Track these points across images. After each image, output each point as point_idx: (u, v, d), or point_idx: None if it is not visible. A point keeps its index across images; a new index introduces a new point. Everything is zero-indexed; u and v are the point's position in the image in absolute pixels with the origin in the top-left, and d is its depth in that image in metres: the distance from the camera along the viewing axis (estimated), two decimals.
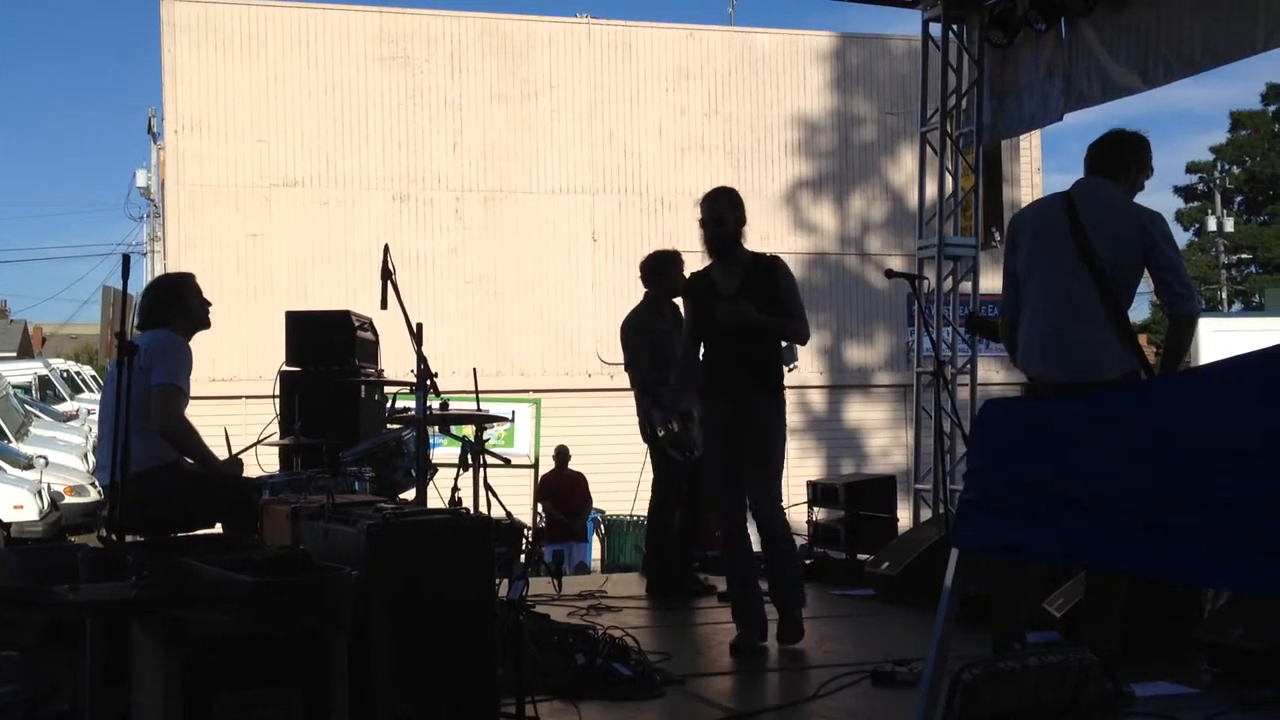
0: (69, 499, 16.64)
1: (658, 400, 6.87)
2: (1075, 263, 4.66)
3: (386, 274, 5.48)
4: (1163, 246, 4.66)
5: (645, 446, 7.23)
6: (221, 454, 5.58)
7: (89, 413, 21.47)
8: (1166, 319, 4.83)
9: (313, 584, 3.38)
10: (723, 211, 5.59)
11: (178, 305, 5.57)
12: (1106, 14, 8.20)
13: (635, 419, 7.21)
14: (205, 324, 5.68)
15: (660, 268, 7.23)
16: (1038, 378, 4.84)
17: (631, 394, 7.25)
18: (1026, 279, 4.86)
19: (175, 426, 5.25)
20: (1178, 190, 48.02)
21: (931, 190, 9.95)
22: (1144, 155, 4.91)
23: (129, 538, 4.70)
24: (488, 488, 5.83)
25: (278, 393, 6.86)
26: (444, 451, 7.66)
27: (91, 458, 16.79)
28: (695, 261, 6.11)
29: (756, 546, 5.78)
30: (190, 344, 5.50)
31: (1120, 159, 4.85)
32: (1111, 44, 8.20)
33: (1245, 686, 4.66)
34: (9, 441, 17.78)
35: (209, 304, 5.70)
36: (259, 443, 6.00)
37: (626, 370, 7.23)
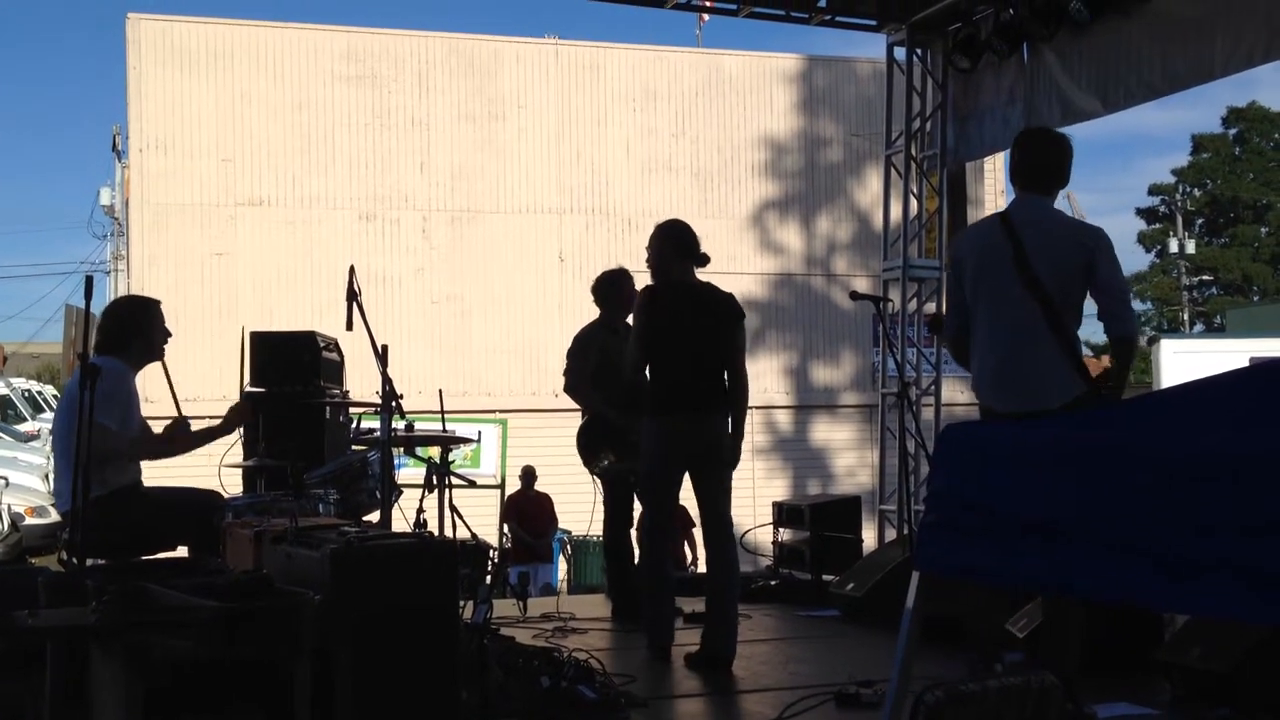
0: (30, 520, 16.46)
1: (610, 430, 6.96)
2: (1021, 290, 4.59)
3: (352, 295, 5.48)
4: (1103, 265, 4.59)
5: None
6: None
7: (51, 433, 21.23)
8: (1107, 339, 4.78)
9: (275, 609, 3.37)
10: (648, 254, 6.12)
11: (140, 334, 5.47)
12: (1068, 40, 8.30)
13: None
14: (159, 356, 5.59)
15: (612, 288, 7.30)
16: (991, 407, 4.80)
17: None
18: (974, 307, 4.80)
19: (105, 462, 5.09)
20: (1139, 212, 48.66)
21: (896, 212, 10.03)
22: (1069, 160, 4.84)
23: (90, 561, 4.66)
24: (453, 509, 5.82)
25: None
26: (409, 472, 7.65)
27: (53, 478, 16.63)
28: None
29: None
30: (139, 372, 5.43)
31: (1061, 173, 4.79)
32: (1072, 69, 8.31)
33: (1205, 706, 4.70)
34: None
35: (169, 334, 5.62)
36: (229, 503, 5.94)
37: (565, 375, 7.25)
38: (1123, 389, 4.68)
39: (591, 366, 7.03)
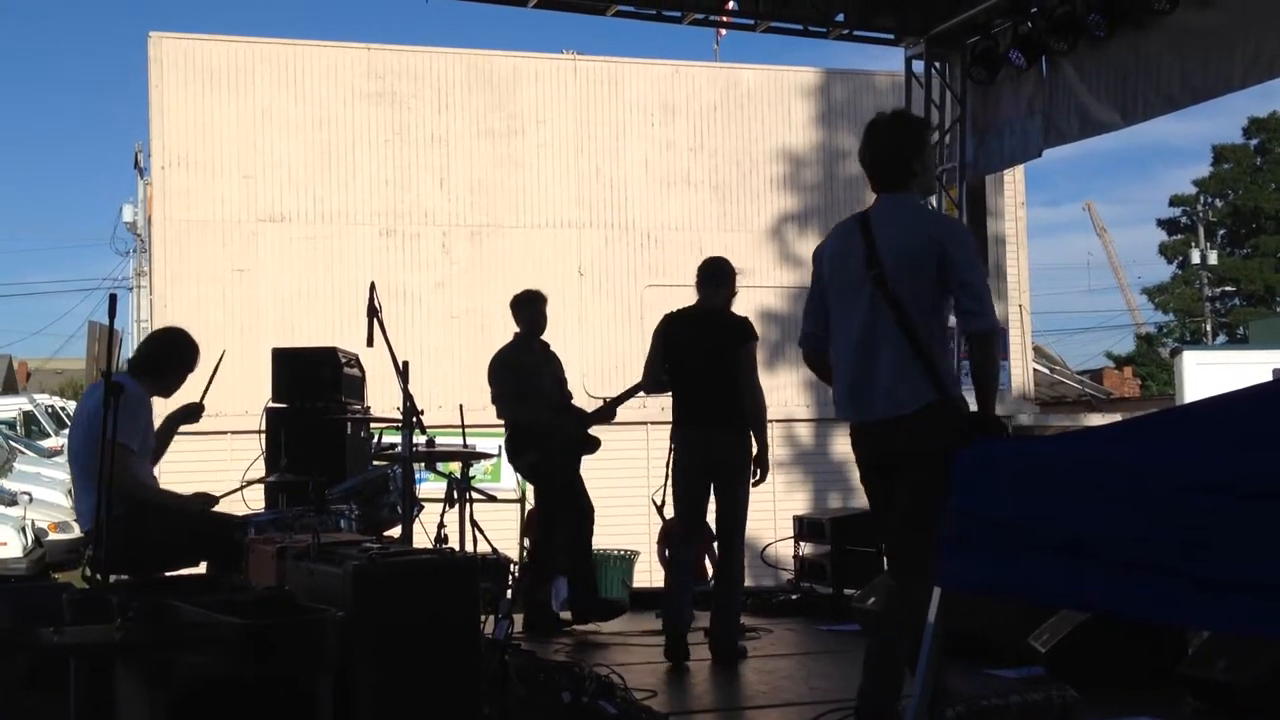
0: (53, 535, 16.55)
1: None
2: (870, 291, 4.25)
3: (373, 312, 5.52)
4: (954, 257, 4.20)
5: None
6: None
7: (67, 449, 21.31)
8: (964, 337, 4.34)
9: (298, 626, 3.38)
10: None
11: (174, 371, 5.65)
12: (1087, 52, 8.30)
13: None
14: (170, 394, 5.77)
15: (522, 307, 7.77)
16: (850, 421, 4.55)
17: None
18: (832, 313, 4.48)
19: (120, 484, 5.14)
20: (1161, 223, 48.49)
21: None
22: (915, 143, 4.43)
23: (114, 577, 4.68)
24: (474, 524, 5.85)
25: (263, 429, 6.86)
26: (430, 487, 7.70)
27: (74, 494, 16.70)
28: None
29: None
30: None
31: (905, 160, 4.37)
32: (1091, 81, 8.30)
33: None
34: None
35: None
36: (245, 486, 6.02)
37: (494, 401, 7.51)
38: (993, 395, 4.26)
39: (512, 387, 7.40)
